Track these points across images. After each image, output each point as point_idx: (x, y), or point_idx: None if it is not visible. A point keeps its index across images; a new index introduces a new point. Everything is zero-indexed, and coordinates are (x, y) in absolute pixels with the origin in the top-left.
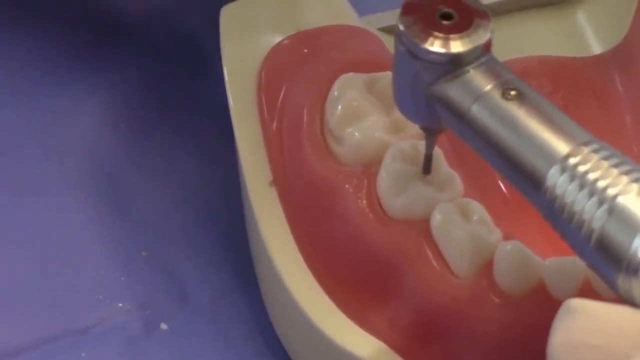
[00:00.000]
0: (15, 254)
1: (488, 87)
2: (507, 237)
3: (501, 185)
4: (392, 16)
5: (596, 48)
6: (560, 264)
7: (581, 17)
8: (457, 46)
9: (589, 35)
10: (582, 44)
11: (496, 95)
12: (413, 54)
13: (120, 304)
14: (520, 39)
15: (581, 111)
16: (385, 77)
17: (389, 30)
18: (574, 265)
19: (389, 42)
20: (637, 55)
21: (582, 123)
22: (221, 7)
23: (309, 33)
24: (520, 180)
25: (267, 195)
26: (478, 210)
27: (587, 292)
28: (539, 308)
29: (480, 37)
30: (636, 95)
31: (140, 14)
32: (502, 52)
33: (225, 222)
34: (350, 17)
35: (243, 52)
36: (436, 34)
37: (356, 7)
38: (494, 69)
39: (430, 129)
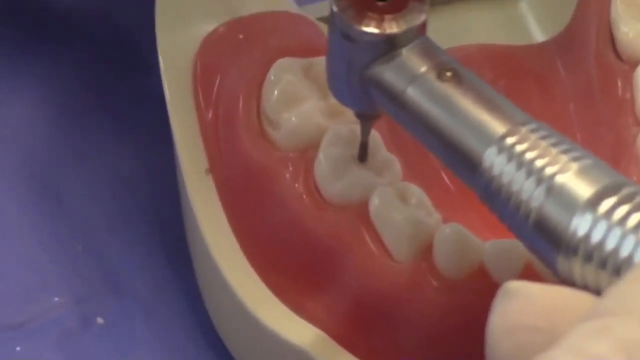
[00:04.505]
0: None
1: (423, 69)
2: (446, 221)
3: (443, 174)
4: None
5: (539, 36)
6: (501, 247)
7: (523, 5)
8: (391, 27)
9: (532, 24)
10: (525, 32)
11: (432, 77)
12: (347, 36)
13: (56, 298)
14: (463, 28)
15: (524, 99)
16: (322, 62)
17: (327, 20)
18: (515, 247)
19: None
20: (580, 43)
21: (525, 111)
22: None
23: (245, 20)
24: (457, 162)
25: (203, 184)
26: (417, 193)
27: (529, 274)
28: (480, 291)
29: (415, 18)
30: (579, 83)
31: (75, 5)
32: (444, 42)
33: (163, 213)
34: (286, 4)
35: (178, 41)
36: (370, 14)
37: None
38: (429, 50)
39: (366, 114)
